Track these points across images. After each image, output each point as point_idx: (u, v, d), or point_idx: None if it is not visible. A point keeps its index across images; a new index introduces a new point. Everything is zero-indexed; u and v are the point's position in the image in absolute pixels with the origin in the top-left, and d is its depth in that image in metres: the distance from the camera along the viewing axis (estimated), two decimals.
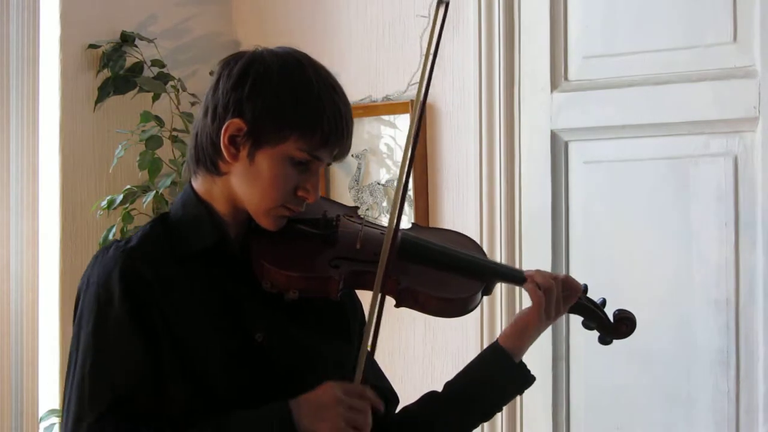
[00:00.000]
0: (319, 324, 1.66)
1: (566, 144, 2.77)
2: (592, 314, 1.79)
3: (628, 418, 2.65)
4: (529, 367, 1.77)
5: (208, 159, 1.59)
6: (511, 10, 2.82)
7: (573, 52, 2.76)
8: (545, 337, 2.74)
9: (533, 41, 2.80)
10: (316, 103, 1.55)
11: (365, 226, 1.70)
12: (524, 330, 1.73)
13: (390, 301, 1.66)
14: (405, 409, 1.80)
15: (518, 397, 2.94)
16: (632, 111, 2.63)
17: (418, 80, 1.67)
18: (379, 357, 3.30)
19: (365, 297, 1.62)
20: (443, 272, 1.69)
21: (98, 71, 3.14)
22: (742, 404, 2.46)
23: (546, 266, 2.74)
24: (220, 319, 1.56)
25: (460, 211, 2.95)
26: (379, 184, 3.08)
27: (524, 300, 2.78)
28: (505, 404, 1.77)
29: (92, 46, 3.13)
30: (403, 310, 1.68)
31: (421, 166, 2.99)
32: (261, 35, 3.43)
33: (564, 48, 2.76)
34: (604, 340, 1.81)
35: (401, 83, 3.02)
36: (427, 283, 1.66)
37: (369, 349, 1.54)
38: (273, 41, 3.48)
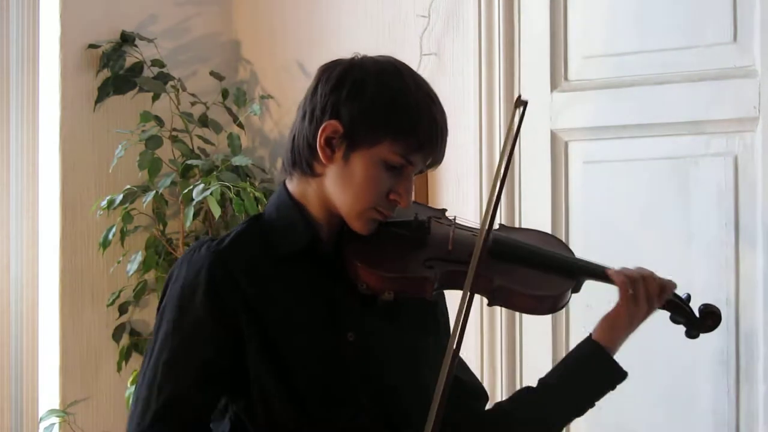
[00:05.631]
0: (414, 323, 1.69)
1: (566, 144, 2.77)
2: (680, 310, 1.83)
3: (628, 418, 2.65)
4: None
5: (304, 161, 1.62)
6: (511, 10, 2.82)
7: (573, 52, 2.75)
8: (545, 338, 2.74)
9: (533, 41, 2.80)
10: (413, 109, 1.60)
11: (456, 227, 1.73)
12: (614, 324, 1.74)
13: (480, 300, 1.67)
14: (498, 405, 1.81)
15: None
16: (632, 111, 2.63)
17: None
18: None
19: (457, 297, 1.60)
20: (534, 271, 1.72)
21: (98, 71, 3.14)
22: (742, 404, 2.46)
23: None
24: (314, 317, 1.59)
25: (460, 211, 2.93)
26: None
27: None
28: (598, 399, 1.78)
29: (92, 46, 3.13)
30: None
31: None
32: (261, 35, 3.43)
33: (564, 48, 2.76)
34: (691, 334, 1.86)
35: None
36: (520, 282, 1.68)
37: (454, 347, 1.52)
38: (273, 41, 3.48)
